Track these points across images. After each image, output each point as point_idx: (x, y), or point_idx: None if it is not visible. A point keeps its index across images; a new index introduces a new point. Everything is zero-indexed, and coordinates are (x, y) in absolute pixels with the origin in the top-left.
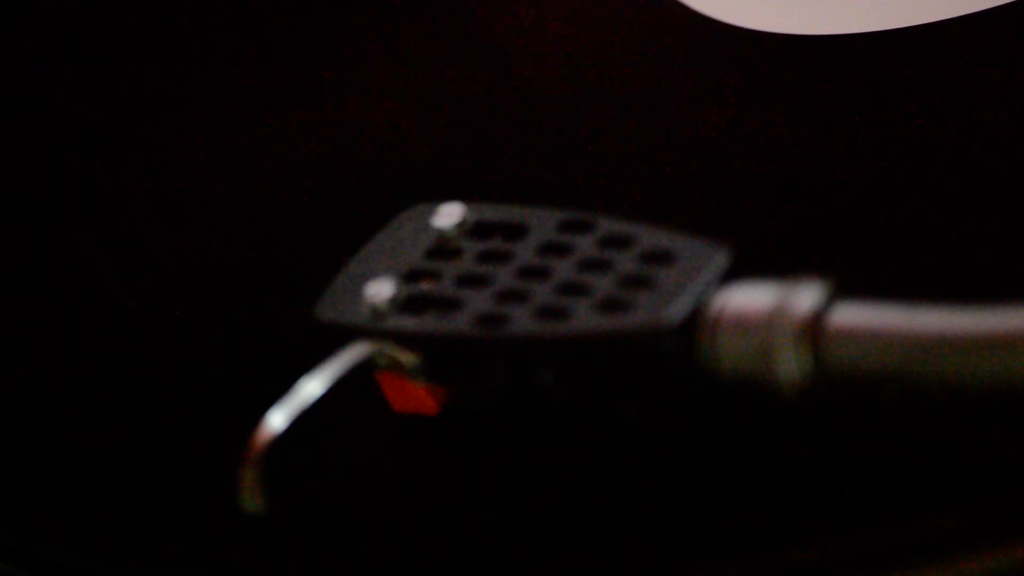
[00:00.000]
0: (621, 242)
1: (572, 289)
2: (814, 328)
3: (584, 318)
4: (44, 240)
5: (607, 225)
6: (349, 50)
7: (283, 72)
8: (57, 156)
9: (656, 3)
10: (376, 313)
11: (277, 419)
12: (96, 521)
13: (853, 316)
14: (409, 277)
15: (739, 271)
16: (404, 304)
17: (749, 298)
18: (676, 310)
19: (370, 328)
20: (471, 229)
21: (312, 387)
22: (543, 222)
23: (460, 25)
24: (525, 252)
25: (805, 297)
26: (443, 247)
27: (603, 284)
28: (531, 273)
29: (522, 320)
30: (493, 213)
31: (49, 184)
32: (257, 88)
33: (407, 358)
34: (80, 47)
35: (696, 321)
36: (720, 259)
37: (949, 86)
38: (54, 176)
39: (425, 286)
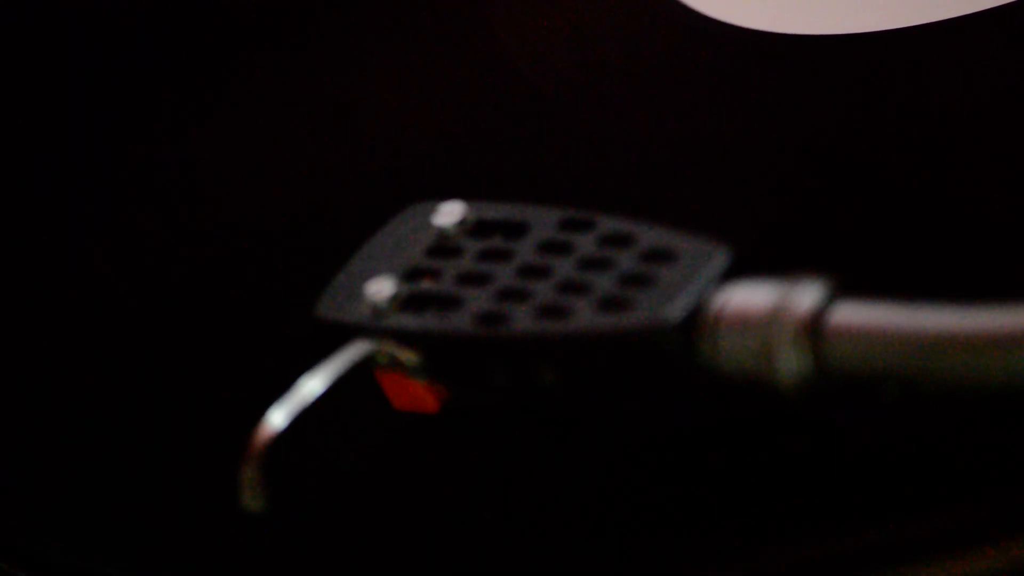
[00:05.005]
0: (621, 241)
1: (572, 287)
2: (814, 327)
3: (584, 317)
4: (46, 239)
5: (607, 224)
6: (350, 50)
7: (284, 73)
8: (59, 156)
9: (656, 3)
10: (376, 311)
11: (277, 418)
12: (96, 521)
13: (853, 315)
14: (409, 275)
15: (739, 270)
16: (404, 302)
17: (749, 297)
18: (676, 309)
19: (370, 326)
20: (471, 227)
21: (312, 386)
22: (543, 220)
23: (460, 25)
24: (525, 250)
25: (805, 296)
26: (443, 245)
27: (603, 282)
28: (531, 271)
29: (522, 318)
30: (493, 211)
31: (51, 183)
32: (257, 88)
33: (407, 356)
34: (85, 46)
35: (696, 320)
36: (720, 258)
37: (949, 86)
38: (56, 175)
39: (425, 284)
